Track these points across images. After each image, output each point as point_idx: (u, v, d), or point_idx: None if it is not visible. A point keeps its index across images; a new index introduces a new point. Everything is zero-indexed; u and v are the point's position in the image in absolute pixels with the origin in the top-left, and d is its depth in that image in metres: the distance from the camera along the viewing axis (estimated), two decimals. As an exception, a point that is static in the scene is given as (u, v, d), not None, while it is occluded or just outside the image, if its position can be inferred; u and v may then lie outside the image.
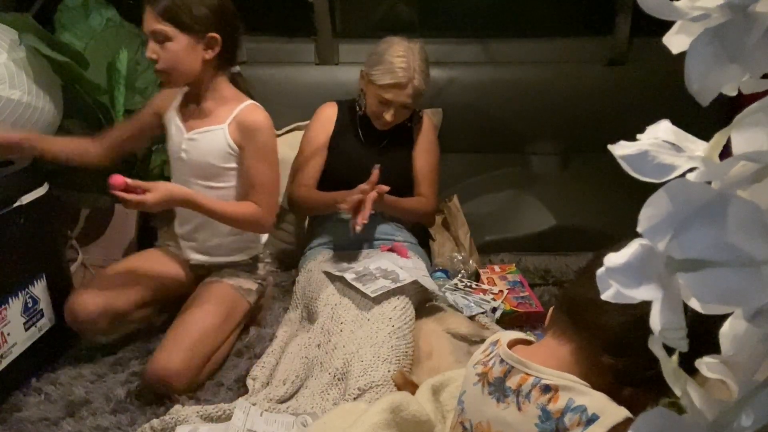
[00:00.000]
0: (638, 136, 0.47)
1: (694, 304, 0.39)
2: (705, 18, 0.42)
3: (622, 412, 0.77)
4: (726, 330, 0.43)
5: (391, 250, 1.80)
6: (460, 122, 2.27)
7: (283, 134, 2.20)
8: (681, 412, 0.41)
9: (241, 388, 1.50)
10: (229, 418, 1.31)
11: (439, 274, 1.96)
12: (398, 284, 1.56)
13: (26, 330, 1.51)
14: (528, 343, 0.94)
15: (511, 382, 0.86)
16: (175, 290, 1.67)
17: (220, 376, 1.54)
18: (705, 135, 0.46)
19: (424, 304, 1.70)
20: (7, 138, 1.47)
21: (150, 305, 1.64)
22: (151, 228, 1.98)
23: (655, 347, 0.40)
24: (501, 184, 2.34)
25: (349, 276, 1.61)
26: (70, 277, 1.78)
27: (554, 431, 0.80)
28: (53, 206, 1.66)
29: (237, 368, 1.56)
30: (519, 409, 0.84)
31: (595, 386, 0.81)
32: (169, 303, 1.67)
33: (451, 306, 1.75)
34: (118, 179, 1.35)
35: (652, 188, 0.41)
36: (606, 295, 0.42)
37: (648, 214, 0.39)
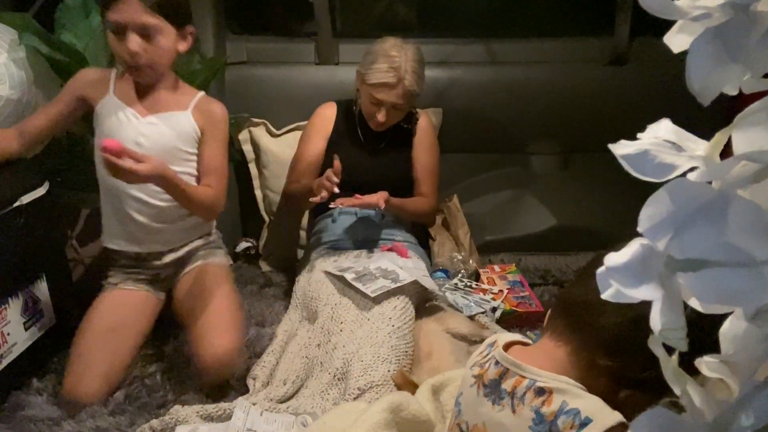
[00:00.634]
0: (639, 135, 0.47)
1: (695, 304, 0.39)
2: (706, 17, 0.42)
3: (615, 416, 0.76)
4: (726, 329, 0.43)
5: (391, 250, 1.80)
6: (461, 122, 2.28)
7: (283, 134, 2.20)
8: (681, 412, 0.41)
9: (241, 388, 1.50)
10: (229, 417, 1.31)
11: (439, 274, 1.96)
12: (398, 284, 1.56)
13: (26, 330, 1.51)
14: (525, 344, 0.94)
15: (507, 385, 0.86)
16: (151, 321, 1.60)
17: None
18: (706, 135, 0.46)
19: (424, 303, 1.70)
20: None
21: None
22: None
23: (655, 347, 0.40)
24: (501, 184, 2.34)
25: (349, 276, 1.61)
26: (70, 277, 1.78)
27: None
28: (53, 206, 1.66)
29: (237, 367, 1.56)
30: (513, 411, 0.84)
31: (592, 388, 0.81)
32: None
33: (451, 306, 1.75)
34: (113, 143, 1.26)
35: (653, 188, 0.41)
36: (606, 295, 0.42)
37: (648, 214, 0.39)
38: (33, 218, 1.54)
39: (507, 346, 0.92)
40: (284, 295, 1.89)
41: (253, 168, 2.24)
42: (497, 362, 0.89)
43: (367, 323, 1.49)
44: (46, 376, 1.53)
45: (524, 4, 2.54)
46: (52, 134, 1.62)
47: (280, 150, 2.14)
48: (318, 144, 1.94)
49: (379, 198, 1.72)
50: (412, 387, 1.27)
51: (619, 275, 0.41)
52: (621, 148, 0.45)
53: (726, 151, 0.44)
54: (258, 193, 2.24)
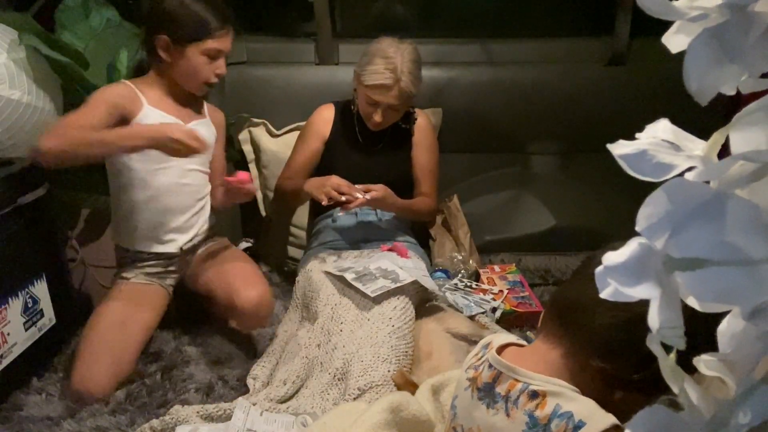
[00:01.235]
0: (637, 135, 0.47)
1: (692, 303, 0.39)
2: (704, 18, 0.42)
3: (608, 419, 0.76)
4: (724, 328, 0.44)
5: (391, 250, 1.80)
6: (460, 122, 2.28)
7: (282, 134, 2.20)
8: (678, 410, 0.41)
9: (241, 388, 1.50)
10: (229, 417, 1.32)
11: (439, 274, 1.96)
12: (398, 284, 1.56)
13: (26, 330, 1.51)
14: (520, 346, 0.93)
15: (501, 388, 0.86)
16: (160, 316, 1.64)
17: (220, 375, 1.54)
18: (704, 134, 0.46)
19: (424, 304, 1.70)
20: None
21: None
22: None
23: (653, 345, 0.40)
24: (501, 184, 2.34)
25: (349, 276, 1.61)
26: (70, 277, 1.78)
27: None
28: (53, 206, 1.66)
29: (237, 367, 1.57)
30: (508, 415, 0.83)
31: (585, 390, 0.81)
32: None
33: (451, 306, 1.75)
34: (247, 176, 1.61)
35: (651, 187, 0.41)
36: (605, 294, 0.42)
37: (646, 213, 0.39)
38: (33, 218, 1.54)
39: (501, 348, 0.91)
40: (284, 296, 1.89)
41: (253, 168, 2.24)
42: (491, 365, 0.89)
43: (367, 323, 1.49)
44: (46, 375, 1.53)
45: (524, 4, 2.54)
46: None
47: (280, 150, 2.14)
48: (312, 146, 1.94)
49: (378, 192, 1.73)
50: (412, 387, 1.28)
51: (618, 274, 0.41)
52: (619, 148, 0.45)
53: (724, 151, 0.44)
54: (258, 193, 2.24)
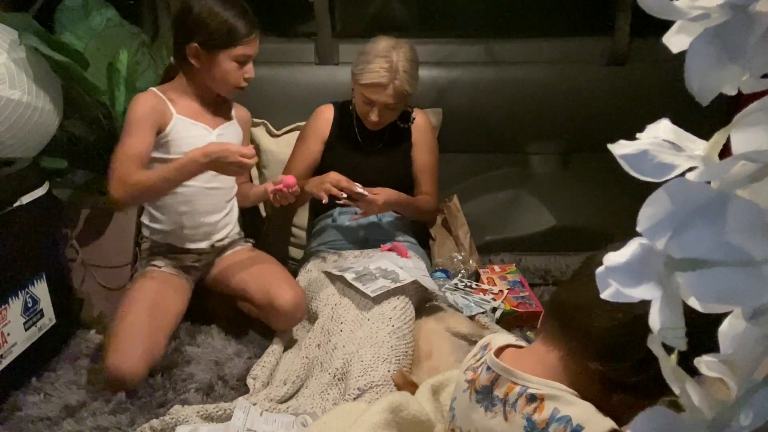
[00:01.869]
0: (638, 135, 0.47)
1: (694, 303, 0.39)
2: (705, 18, 0.42)
3: (606, 423, 0.76)
4: (725, 329, 0.43)
5: (391, 250, 1.80)
6: (460, 122, 2.27)
7: (282, 134, 2.20)
8: (680, 411, 0.41)
9: (241, 388, 1.50)
10: (229, 417, 1.32)
11: (439, 274, 1.96)
12: (398, 284, 1.56)
13: (26, 330, 1.51)
14: (519, 347, 0.93)
15: (499, 391, 0.85)
16: (186, 306, 1.68)
17: (220, 375, 1.54)
18: (705, 134, 0.46)
19: (424, 304, 1.70)
20: None
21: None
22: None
23: (655, 346, 0.40)
24: (501, 184, 2.34)
25: (349, 276, 1.61)
26: (70, 277, 1.78)
27: None
28: (53, 206, 1.66)
29: (237, 367, 1.56)
30: (506, 418, 0.83)
31: (584, 393, 0.80)
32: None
33: (451, 306, 1.75)
34: (292, 179, 1.62)
35: (652, 188, 0.41)
36: (605, 294, 0.42)
37: (647, 214, 0.39)
38: (33, 218, 1.54)
39: (500, 350, 0.91)
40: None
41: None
42: (489, 368, 0.88)
43: (367, 323, 1.49)
44: (45, 375, 1.53)
45: (524, 4, 2.53)
46: None
47: (280, 150, 2.14)
48: (312, 146, 1.94)
49: (379, 197, 1.74)
50: (412, 387, 1.28)
51: (618, 275, 0.41)
52: (620, 148, 0.44)
53: (725, 151, 0.44)
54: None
